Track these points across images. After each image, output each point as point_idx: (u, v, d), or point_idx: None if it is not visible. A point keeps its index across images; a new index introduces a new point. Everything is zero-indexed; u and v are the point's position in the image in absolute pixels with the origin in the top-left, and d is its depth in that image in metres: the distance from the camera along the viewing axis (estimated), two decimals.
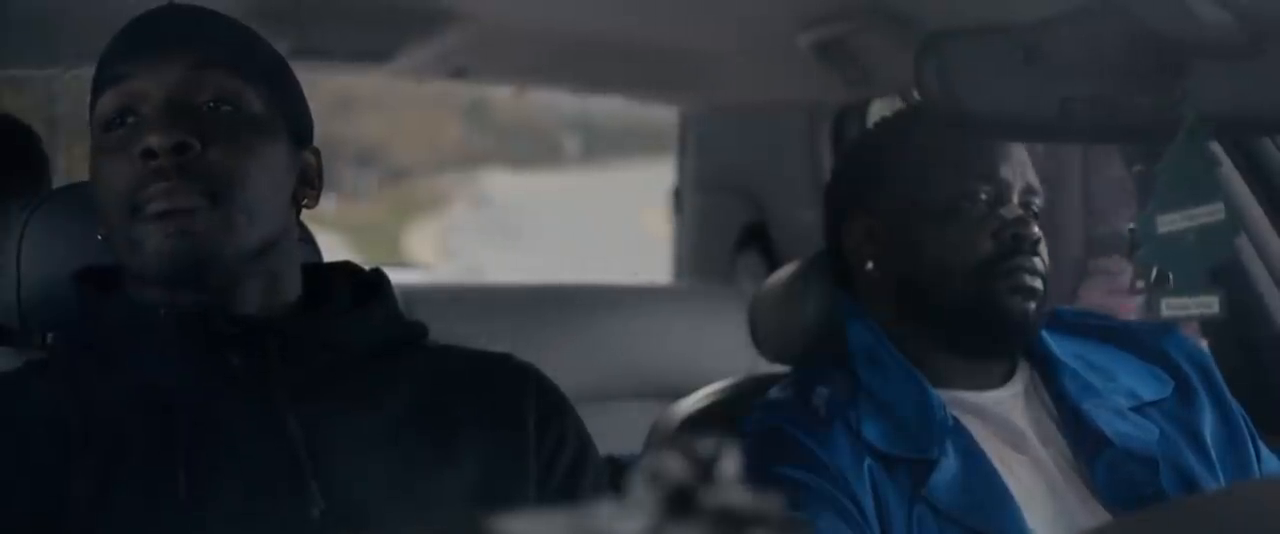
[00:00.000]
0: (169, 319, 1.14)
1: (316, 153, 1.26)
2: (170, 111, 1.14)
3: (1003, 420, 1.45)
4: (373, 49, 2.04)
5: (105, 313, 1.19)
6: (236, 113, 1.16)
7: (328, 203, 1.29)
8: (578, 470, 1.22)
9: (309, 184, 1.24)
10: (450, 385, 1.21)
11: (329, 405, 1.14)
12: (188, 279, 1.13)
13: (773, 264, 2.52)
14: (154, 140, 1.12)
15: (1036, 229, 1.44)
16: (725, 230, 2.68)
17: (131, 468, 1.09)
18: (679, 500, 0.47)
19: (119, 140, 1.15)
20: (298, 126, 1.22)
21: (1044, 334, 1.49)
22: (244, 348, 1.15)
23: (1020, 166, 1.47)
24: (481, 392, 1.22)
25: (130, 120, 1.15)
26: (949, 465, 1.38)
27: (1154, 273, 1.24)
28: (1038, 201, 1.47)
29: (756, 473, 0.47)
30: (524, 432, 1.20)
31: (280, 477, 1.11)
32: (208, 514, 1.08)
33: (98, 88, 1.18)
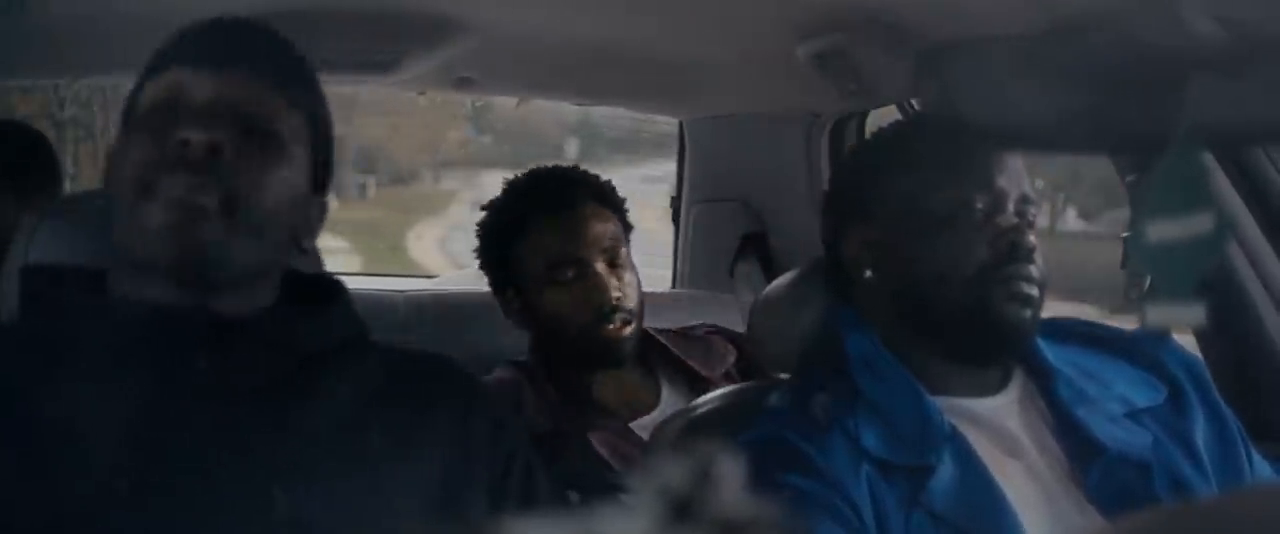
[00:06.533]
0: (145, 316, 1.14)
1: (325, 205, 1.26)
2: (212, 112, 1.14)
3: (998, 427, 1.45)
4: (377, 60, 2.03)
5: (72, 307, 1.18)
6: (271, 135, 1.17)
7: (329, 203, 1.30)
8: (530, 467, 1.26)
9: (310, 229, 1.25)
10: (398, 389, 1.23)
11: (290, 407, 1.15)
12: (177, 268, 1.13)
13: (771, 273, 2.52)
14: (191, 133, 1.12)
15: (1032, 237, 1.45)
16: (724, 240, 2.68)
17: (88, 465, 1.08)
18: (679, 508, 0.47)
19: (156, 125, 1.15)
20: (320, 169, 1.23)
21: (1039, 341, 1.50)
22: (212, 350, 1.14)
23: (1016, 176, 1.48)
24: (424, 396, 1.24)
25: (172, 111, 1.15)
26: (946, 472, 1.39)
27: (1146, 282, 1.25)
28: (1033, 211, 1.48)
29: (756, 480, 0.48)
30: (465, 436, 1.23)
31: (240, 477, 1.10)
32: (171, 514, 1.08)
33: (146, 76, 1.19)
